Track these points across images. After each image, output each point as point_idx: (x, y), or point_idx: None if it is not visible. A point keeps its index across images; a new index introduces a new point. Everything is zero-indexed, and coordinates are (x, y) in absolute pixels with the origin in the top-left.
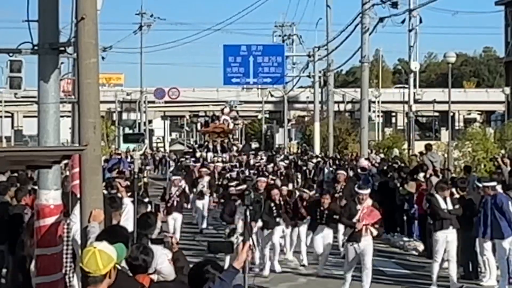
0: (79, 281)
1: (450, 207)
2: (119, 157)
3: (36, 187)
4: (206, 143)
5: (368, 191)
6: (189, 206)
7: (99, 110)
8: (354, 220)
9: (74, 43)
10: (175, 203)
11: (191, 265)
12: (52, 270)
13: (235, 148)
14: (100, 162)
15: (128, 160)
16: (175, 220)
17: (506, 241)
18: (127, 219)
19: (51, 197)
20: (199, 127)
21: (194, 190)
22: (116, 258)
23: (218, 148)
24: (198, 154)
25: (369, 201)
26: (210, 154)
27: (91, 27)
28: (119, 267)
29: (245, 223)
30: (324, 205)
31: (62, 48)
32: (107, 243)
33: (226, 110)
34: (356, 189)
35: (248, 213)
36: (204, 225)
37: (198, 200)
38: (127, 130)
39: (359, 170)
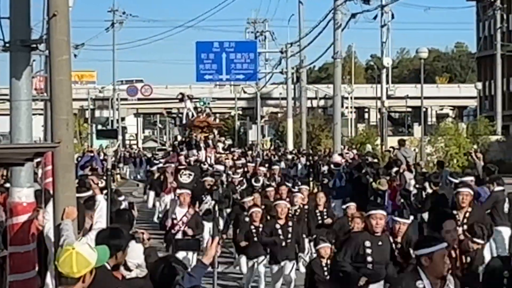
0: (52, 279)
1: None
2: (92, 154)
3: (8, 185)
4: (187, 139)
5: None
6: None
7: (72, 107)
8: None
9: (46, 40)
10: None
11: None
12: (25, 268)
13: (220, 145)
14: (73, 159)
15: (101, 157)
16: (189, 260)
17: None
18: (100, 216)
19: (23, 194)
20: (178, 122)
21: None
22: (95, 262)
23: (202, 145)
24: (183, 154)
25: None
26: (193, 152)
27: (63, 24)
28: (107, 265)
29: (213, 218)
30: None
31: (34, 45)
32: (88, 246)
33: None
34: None
35: (216, 208)
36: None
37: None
38: (100, 128)
39: (332, 166)
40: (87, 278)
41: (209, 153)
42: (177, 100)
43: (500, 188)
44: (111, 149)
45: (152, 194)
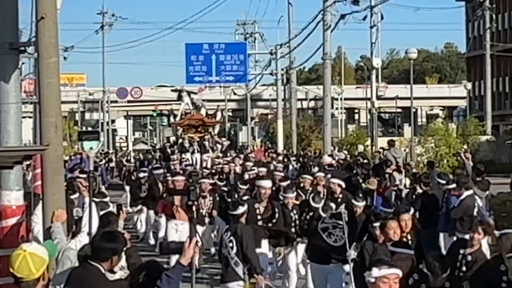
0: None
1: None
2: (80, 157)
3: None
4: (180, 140)
5: None
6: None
7: (60, 109)
8: None
9: (34, 43)
10: None
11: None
12: None
13: (219, 146)
14: (62, 161)
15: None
16: None
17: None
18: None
19: (13, 197)
20: (172, 120)
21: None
22: (48, 258)
23: (196, 147)
24: (174, 158)
25: None
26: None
27: (51, 26)
28: (102, 269)
29: (191, 219)
30: None
31: (23, 48)
32: (36, 244)
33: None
34: None
35: (194, 208)
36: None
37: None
38: (84, 130)
39: (326, 167)
40: (45, 275)
41: (206, 157)
42: (169, 103)
43: (469, 192)
44: (93, 150)
45: (144, 216)
